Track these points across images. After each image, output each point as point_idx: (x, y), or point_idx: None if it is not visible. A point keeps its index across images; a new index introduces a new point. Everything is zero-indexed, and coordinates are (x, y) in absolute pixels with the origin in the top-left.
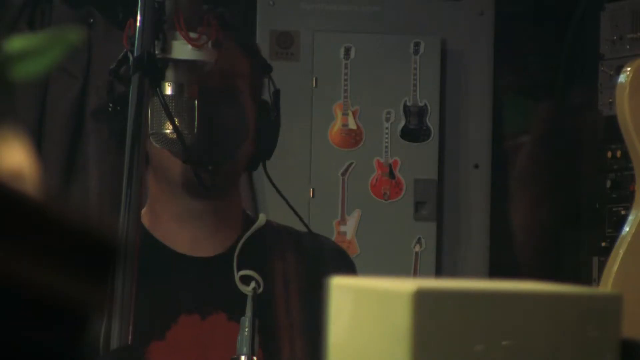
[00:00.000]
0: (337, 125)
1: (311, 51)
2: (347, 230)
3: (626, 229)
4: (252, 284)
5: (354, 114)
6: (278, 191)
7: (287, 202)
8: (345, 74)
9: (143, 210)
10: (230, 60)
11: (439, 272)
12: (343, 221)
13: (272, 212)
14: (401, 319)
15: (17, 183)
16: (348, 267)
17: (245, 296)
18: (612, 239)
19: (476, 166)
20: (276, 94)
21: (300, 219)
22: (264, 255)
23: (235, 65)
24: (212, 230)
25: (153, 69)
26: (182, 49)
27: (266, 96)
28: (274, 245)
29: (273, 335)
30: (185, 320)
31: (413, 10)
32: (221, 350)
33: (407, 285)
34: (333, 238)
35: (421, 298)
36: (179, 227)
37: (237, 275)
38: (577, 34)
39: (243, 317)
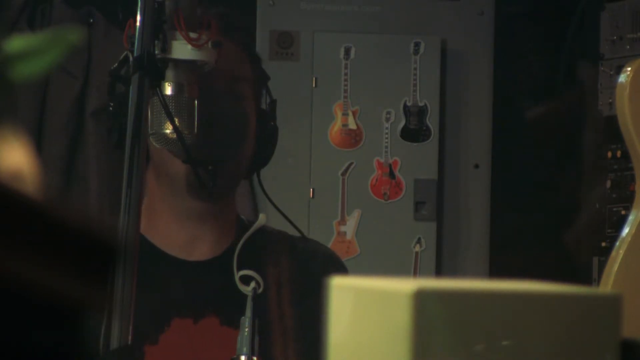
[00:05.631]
0: (337, 125)
1: (311, 51)
2: (347, 230)
3: (626, 229)
4: (252, 284)
5: (354, 114)
6: (269, 199)
7: (278, 209)
8: (345, 74)
9: None
10: (236, 64)
11: (439, 272)
12: (343, 221)
13: (269, 217)
14: (401, 319)
15: (17, 183)
16: (340, 272)
17: (238, 300)
18: (612, 239)
19: (476, 166)
20: (272, 104)
21: (294, 225)
22: (260, 258)
23: (241, 70)
24: (209, 233)
25: (153, 69)
26: (182, 49)
27: (263, 106)
28: (269, 249)
29: (266, 338)
30: (178, 324)
31: (413, 10)
32: (213, 354)
33: (407, 285)
34: (333, 238)
35: (421, 298)
36: (177, 227)
37: (237, 275)
38: (577, 34)
39: (243, 317)
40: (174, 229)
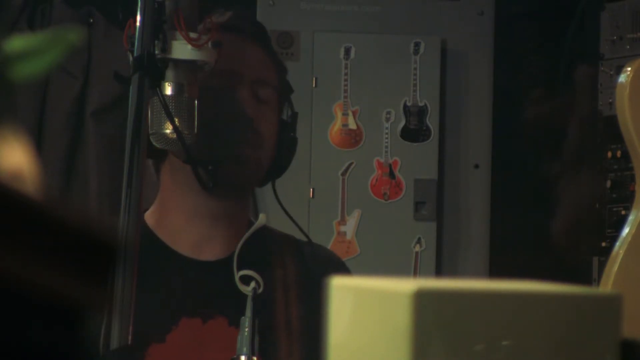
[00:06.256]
0: (337, 125)
1: (311, 51)
2: (347, 230)
3: (626, 229)
4: (252, 284)
5: (354, 114)
6: (282, 207)
7: (289, 216)
8: (345, 74)
9: (150, 210)
10: (263, 69)
11: (439, 272)
12: (343, 221)
13: (271, 219)
14: (401, 319)
15: (17, 183)
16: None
17: (246, 301)
18: (612, 239)
19: (476, 166)
20: (294, 116)
21: (302, 230)
22: (264, 258)
23: (267, 75)
24: (220, 233)
25: (153, 69)
26: (182, 49)
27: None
28: (274, 252)
29: (271, 340)
30: (186, 324)
31: (413, 10)
32: (221, 354)
33: (407, 285)
34: (333, 238)
35: (421, 298)
36: (188, 226)
37: (237, 275)
38: (577, 34)
39: (243, 317)
40: (185, 227)
